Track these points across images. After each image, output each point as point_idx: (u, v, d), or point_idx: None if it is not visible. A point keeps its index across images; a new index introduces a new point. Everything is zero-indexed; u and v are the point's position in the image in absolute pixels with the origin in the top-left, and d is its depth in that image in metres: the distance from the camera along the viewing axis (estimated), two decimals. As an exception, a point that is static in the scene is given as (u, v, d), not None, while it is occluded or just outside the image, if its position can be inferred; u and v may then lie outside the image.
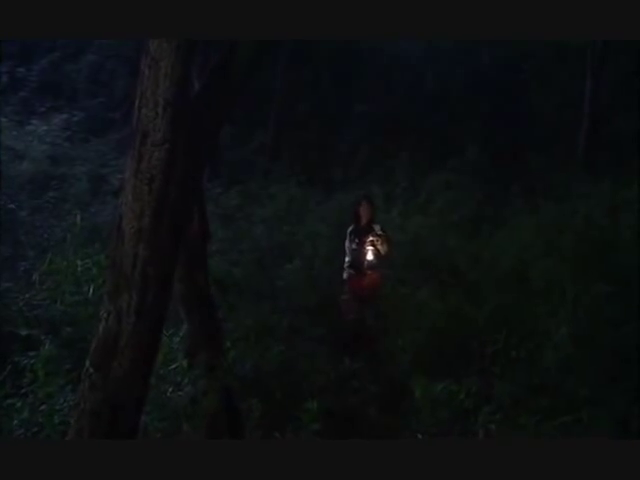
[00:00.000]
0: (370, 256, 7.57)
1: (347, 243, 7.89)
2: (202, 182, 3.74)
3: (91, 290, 5.74)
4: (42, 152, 11.92)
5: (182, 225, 3.59)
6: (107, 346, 3.43)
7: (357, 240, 7.75)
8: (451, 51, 16.66)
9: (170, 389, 4.57)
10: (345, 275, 7.85)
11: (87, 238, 6.98)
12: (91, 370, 3.45)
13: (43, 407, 4.47)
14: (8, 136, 11.62)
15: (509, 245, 9.00)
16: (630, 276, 7.38)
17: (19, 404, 4.57)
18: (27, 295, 5.92)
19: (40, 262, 6.65)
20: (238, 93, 3.97)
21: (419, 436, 5.02)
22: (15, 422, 4.47)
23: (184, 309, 4.73)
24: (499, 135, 15.04)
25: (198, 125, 3.58)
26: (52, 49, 15.22)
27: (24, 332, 5.17)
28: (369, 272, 7.68)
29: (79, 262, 5.92)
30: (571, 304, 6.82)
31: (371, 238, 7.60)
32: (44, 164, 11.68)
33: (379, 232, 7.70)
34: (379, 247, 7.61)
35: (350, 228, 7.93)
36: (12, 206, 8.84)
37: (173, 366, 4.71)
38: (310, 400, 4.99)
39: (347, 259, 7.89)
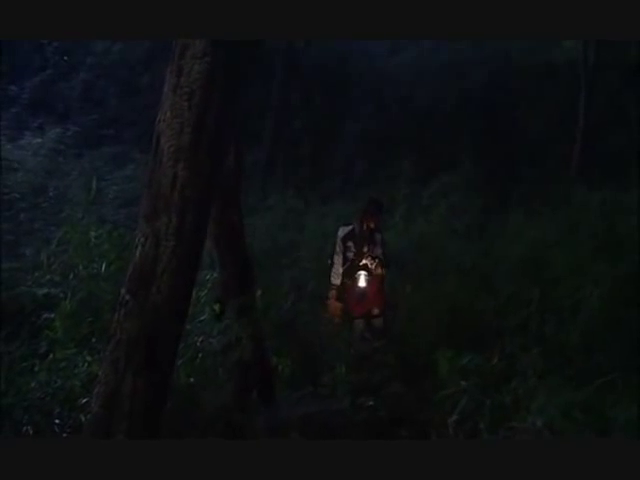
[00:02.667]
0: (362, 283, 6.80)
1: (338, 250, 6.91)
2: (240, 105, 3.56)
3: (104, 266, 5.50)
4: (37, 164, 11.76)
5: (222, 145, 3.42)
6: (144, 272, 3.23)
7: (354, 250, 6.88)
8: (442, 69, 16.81)
9: (200, 339, 4.36)
10: (334, 280, 6.88)
11: (97, 219, 6.72)
12: (127, 297, 3.24)
13: (63, 365, 4.22)
14: (2, 149, 11.46)
15: (519, 240, 8.89)
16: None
17: (37, 367, 4.34)
18: (36, 274, 5.66)
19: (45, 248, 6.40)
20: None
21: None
22: (32, 384, 4.23)
23: (217, 249, 4.52)
24: (492, 151, 15.01)
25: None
26: (44, 68, 15.18)
27: (42, 291, 4.93)
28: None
29: (93, 233, 5.71)
30: (592, 285, 6.68)
31: (364, 262, 6.81)
32: (39, 176, 11.52)
33: (378, 254, 6.88)
34: (372, 271, 6.84)
35: (346, 230, 6.98)
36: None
37: (202, 317, 4.50)
38: (338, 366, 4.79)
39: (337, 269, 6.87)
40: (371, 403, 4.61)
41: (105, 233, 5.60)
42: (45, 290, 4.97)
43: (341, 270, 6.87)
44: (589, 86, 14.72)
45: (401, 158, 13.71)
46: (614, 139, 14.48)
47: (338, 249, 6.90)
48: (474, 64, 16.94)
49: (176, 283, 3.25)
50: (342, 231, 6.97)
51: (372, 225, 6.90)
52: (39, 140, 12.40)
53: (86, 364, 4.36)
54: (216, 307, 4.43)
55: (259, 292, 4.87)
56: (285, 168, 14.25)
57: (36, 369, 4.33)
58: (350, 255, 6.87)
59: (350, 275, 6.85)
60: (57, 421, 3.80)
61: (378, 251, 6.92)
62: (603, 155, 13.97)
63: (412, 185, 12.69)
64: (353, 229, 6.96)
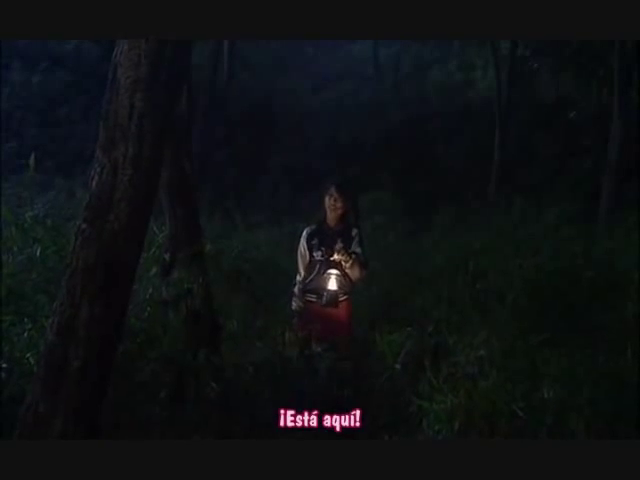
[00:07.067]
0: (333, 285, 5.29)
1: (302, 251, 5.48)
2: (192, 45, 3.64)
3: (39, 251, 5.36)
4: (-47, 188, 11.42)
5: (179, 79, 3.50)
6: (102, 200, 3.24)
7: (323, 249, 5.38)
8: (363, 107, 17.34)
9: (150, 291, 4.32)
10: (297, 304, 5.53)
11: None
12: (84, 226, 3.24)
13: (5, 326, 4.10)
14: None
15: (444, 251, 9.18)
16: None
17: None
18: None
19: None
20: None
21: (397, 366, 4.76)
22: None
23: (168, 199, 4.53)
24: (412, 184, 15.46)
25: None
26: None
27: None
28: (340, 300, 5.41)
29: (29, 214, 5.62)
30: (515, 276, 6.98)
31: (336, 256, 5.27)
32: (-44, 200, 11.20)
33: (357, 248, 5.41)
34: (348, 271, 5.36)
35: (309, 229, 5.55)
36: None
37: (152, 272, 4.46)
38: (288, 330, 4.80)
39: (300, 278, 5.54)
40: (319, 350, 4.64)
41: (40, 218, 5.52)
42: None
43: (301, 286, 5.54)
44: (503, 123, 15.51)
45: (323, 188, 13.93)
46: (528, 172, 15.21)
47: (302, 250, 5.49)
48: (394, 104, 17.56)
49: (133, 211, 3.26)
50: (306, 231, 5.57)
51: (340, 209, 5.42)
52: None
53: (27, 331, 4.24)
54: (166, 256, 4.45)
55: (208, 245, 4.89)
56: (208, 200, 14.27)
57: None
58: (318, 255, 5.40)
59: (319, 288, 5.40)
60: (4, 365, 3.69)
61: (356, 248, 5.43)
62: (517, 187, 14.58)
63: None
64: (319, 225, 5.58)
